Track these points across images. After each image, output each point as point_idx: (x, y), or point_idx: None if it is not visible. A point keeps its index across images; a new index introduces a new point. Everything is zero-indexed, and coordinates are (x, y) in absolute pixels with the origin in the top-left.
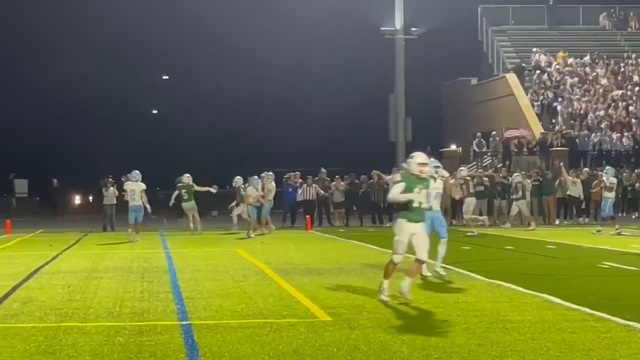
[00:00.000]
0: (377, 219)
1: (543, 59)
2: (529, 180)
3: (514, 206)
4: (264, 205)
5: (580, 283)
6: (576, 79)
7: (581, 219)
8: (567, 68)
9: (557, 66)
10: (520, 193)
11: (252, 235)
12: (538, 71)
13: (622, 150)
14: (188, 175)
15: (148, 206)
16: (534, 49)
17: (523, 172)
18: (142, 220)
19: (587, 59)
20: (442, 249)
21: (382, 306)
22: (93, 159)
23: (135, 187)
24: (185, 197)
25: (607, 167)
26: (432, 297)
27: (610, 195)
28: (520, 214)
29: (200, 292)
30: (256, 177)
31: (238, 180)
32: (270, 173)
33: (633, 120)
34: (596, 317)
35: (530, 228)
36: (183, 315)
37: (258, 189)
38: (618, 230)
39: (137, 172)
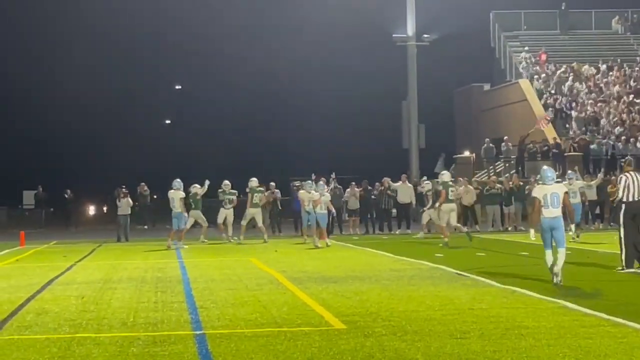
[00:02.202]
0: (387, 226)
1: (533, 66)
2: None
3: (425, 214)
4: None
5: (596, 288)
6: (585, 85)
7: (596, 224)
8: (576, 73)
9: (561, 73)
10: (430, 201)
11: (330, 243)
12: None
13: (636, 154)
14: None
15: (186, 214)
16: (527, 55)
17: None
18: (182, 227)
19: (602, 66)
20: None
21: (396, 313)
22: (107, 170)
23: (174, 195)
24: (193, 206)
25: (569, 172)
26: (446, 304)
27: (575, 201)
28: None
29: (214, 302)
30: (322, 182)
31: (228, 184)
32: (309, 181)
33: None
34: (613, 322)
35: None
36: (197, 325)
37: (325, 194)
38: (577, 237)
39: (179, 180)
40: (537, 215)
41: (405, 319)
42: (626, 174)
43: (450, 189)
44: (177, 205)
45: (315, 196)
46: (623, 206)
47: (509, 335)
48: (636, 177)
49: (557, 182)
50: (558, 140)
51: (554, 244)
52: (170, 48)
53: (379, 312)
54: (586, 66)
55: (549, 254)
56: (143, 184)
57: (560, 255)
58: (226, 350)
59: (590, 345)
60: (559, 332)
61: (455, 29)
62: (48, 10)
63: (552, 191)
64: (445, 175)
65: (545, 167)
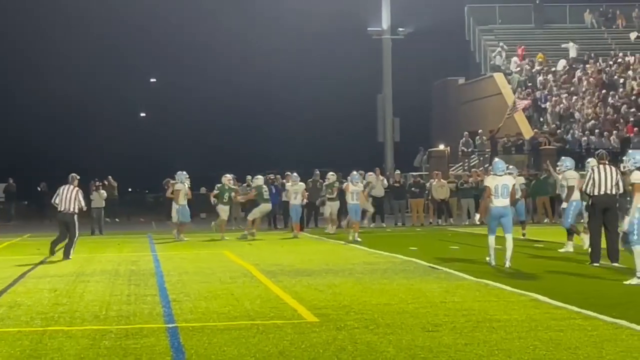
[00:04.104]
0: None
1: (500, 60)
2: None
3: (327, 207)
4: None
5: (568, 282)
6: (552, 78)
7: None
8: (546, 68)
9: (528, 66)
10: (334, 194)
11: (359, 239)
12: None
13: (610, 148)
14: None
15: (179, 206)
16: (497, 49)
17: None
18: (182, 219)
19: (572, 55)
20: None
21: (369, 307)
22: (82, 163)
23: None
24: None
25: (510, 167)
26: (419, 297)
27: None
28: (331, 215)
29: (187, 295)
30: (355, 172)
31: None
32: (295, 174)
33: (621, 120)
34: (583, 315)
35: (327, 231)
36: (169, 318)
37: (358, 183)
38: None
39: (181, 172)
40: (487, 202)
41: (377, 312)
42: (593, 167)
43: (264, 190)
44: (181, 199)
45: (301, 187)
46: (590, 200)
47: (481, 328)
48: (605, 170)
49: (508, 173)
50: (532, 135)
51: (500, 233)
52: (145, 41)
53: (352, 305)
54: (562, 60)
55: (492, 239)
56: (110, 177)
57: (509, 241)
58: (198, 343)
59: (561, 338)
60: (530, 325)
61: (430, 22)
62: (22, 2)
63: (503, 182)
64: (259, 180)
65: (496, 159)
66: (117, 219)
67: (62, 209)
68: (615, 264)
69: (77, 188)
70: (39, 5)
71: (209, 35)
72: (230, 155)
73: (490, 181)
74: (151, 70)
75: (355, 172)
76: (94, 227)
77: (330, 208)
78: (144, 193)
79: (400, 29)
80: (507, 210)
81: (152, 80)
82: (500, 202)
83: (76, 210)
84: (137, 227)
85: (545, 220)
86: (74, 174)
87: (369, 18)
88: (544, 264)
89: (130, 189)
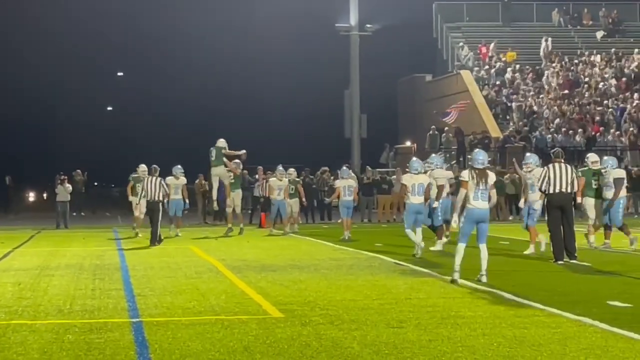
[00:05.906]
0: (327, 215)
1: (471, 55)
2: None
3: (287, 205)
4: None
5: (533, 279)
6: (521, 76)
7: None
8: (516, 65)
9: (499, 63)
10: (295, 191)
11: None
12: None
13: (575, 147)
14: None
15: (185, 201)
16: (460, 44)
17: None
18: (170, 213)
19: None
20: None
21: (334, 303)
22: (48, 156)
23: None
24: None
25: (433, 155)
26: (384, 293)
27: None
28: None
29: (152, 289)
30: (345, 167)
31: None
32: (281, 167)
33: (587, 117)
34: (547, 312)
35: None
36: (134, 312)
37: (350, 179)
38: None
39: (177, 166)
40: (403, 198)
41: (342, 308)
42: (548, 165)
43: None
44: (171, 192)
45: (284, 184)
46: (545, 198)
47: (445, 324)
48: (560, 169)
49: (423, 173)
50: (498, 133)
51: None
52: (112, 34)
53: (317, 301)
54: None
55: (410, 232)
56: (78, 170)
57: (419, 233)
58: (162, 338)
59: (525, 335)
60: (494, 321)
61: (398, 19)
62: None
63: (419, 181)
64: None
65: (414, 158)
66: (82, 213)
67: (149, 199)
68: (574, 261)
69: (159, 178)
70: (2, 3)
71: (176, 29)
72: (196, 150)
73: (407, 180)
74: (118, 63)
75: (345, 167)
76: (59, 221)
77: (291, 207)
78: (110, 187)
79: (368, 26)
80: (422, 207)
81: (119, 74)
82: (416, 199)
83: (161, 198)
84: (102, 221)
85: (510, 218)
86: (155, 166)
87: (336, 14)
88: (508, 262)
89: (96, 183)
